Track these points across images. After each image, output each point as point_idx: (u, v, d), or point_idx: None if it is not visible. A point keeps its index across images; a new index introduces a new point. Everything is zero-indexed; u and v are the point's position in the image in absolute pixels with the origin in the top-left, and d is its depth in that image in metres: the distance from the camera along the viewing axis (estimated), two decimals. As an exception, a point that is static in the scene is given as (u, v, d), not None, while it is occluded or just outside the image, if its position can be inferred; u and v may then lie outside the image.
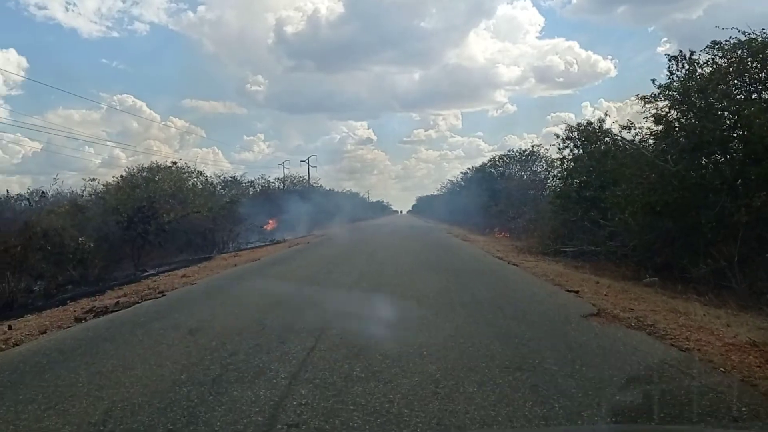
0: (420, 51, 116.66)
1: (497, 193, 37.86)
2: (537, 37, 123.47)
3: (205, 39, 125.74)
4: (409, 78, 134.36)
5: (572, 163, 21.08)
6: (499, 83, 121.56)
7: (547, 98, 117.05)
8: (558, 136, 20.10)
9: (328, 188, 71.06)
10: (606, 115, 17.16)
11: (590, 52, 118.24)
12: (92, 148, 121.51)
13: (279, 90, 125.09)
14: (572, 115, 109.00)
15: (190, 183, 31.00)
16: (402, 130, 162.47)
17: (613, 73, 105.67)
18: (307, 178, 61.40)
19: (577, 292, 10.15)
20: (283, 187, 49.52)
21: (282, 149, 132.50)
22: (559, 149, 20.91)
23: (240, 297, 9.68)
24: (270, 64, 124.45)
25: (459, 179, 61.31)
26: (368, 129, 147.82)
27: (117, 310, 9.06)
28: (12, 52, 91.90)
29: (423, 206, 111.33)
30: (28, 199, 21.46)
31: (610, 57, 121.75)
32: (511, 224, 31.00)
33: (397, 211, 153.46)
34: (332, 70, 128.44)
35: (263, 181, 45.29)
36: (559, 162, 22.16)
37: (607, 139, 17.25)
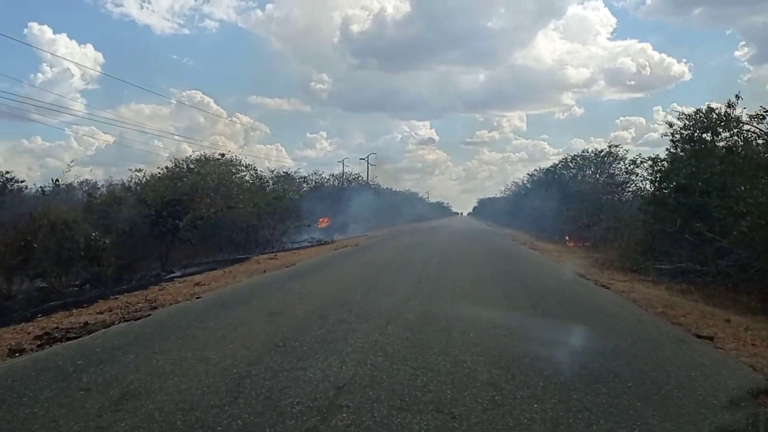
0: (486, 51, 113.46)
1: (568, 197, 34.37)
2: (608, 39, 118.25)
3: (273, 37, 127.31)
4: (473, 78, 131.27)
5: (667, 164, 17.84)
6: (566, 85, 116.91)
7: (616, 101, 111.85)
8: (671, 126, 16.81)
9: (386, 187, 68.81)
10: (738, 98, 13.65)
11: (664, 55, 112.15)
12: (161, 142, 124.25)
13: (342, 88, 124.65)
14: (643, 120, 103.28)
15: (237, 176, 29.20)
16: (465, 131, 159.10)
17: (688, 76, 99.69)
18: (365, 176, 59.33)
19: (711, 339, 7.12)
20: (339, 184, 47.27)
21: (344, 147, 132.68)
22: (672, 141, 17.60)
23: (223, 337, 6.45)
24: (335, 62, 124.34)
25: (525, 181, 57.65)
26: (430, 129, 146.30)
27: (73, 338, 6.71)
28: (89, 48, 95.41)
29: (484, 208, 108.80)
30: (41, 187, 19.64)
31: (684, 60, 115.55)
32: (585, 232, 27.64)
33: (458, 213, 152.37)
34: (396, 69, 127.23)
35: (317, 177, 43.04)
36: (649, 163, 18.90)
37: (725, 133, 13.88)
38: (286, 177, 41.12)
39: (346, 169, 58.07)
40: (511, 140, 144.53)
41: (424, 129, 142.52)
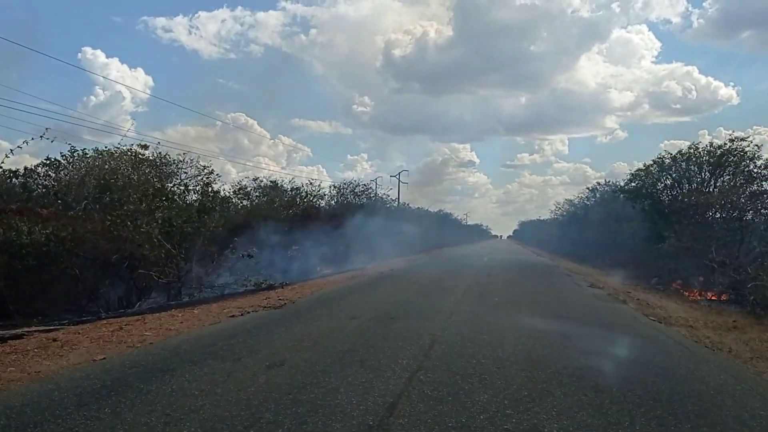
0: (528, 74, 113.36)
1: (667, 216, 23.07)
2: (653, 62, 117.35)
3: (315, 61, 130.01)
4: (515, 101, 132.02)
5: None
6: (610, 108, 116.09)
7: (661, 125, 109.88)
8: None
9: (417, 207, 58.53)
10: None
11: (710, 78, 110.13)
12: (204, 162, 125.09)
13: (384, 111, 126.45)
14: (687, 144, 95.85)
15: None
16: (505, 153, 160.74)
17: (735, 100, 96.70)
18: (391, 196, 48.97)
19: None
20: (340, 200, 36.43)
21: (384, 169, 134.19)
22: None
23: None
24: (376, 85, 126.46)
25: (582, 199, 46.18)
26: (471, 152, 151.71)
27: None
28: (140, 72, 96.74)
29: (525, 232, 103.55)
30: None
31: (732, 84, 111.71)
32: (717, 276, 16.37)
33: (497, 236, 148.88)
34: (437, 92, 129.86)
35: (311, 188, 32.32)
36: None
37: None
38: (274, 188, 30.87)
39: (380, 189, 48.16)
40: (552, 163, 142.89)
41: (465, 151, 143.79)
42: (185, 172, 25.11)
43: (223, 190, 24.69)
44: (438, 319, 9.89)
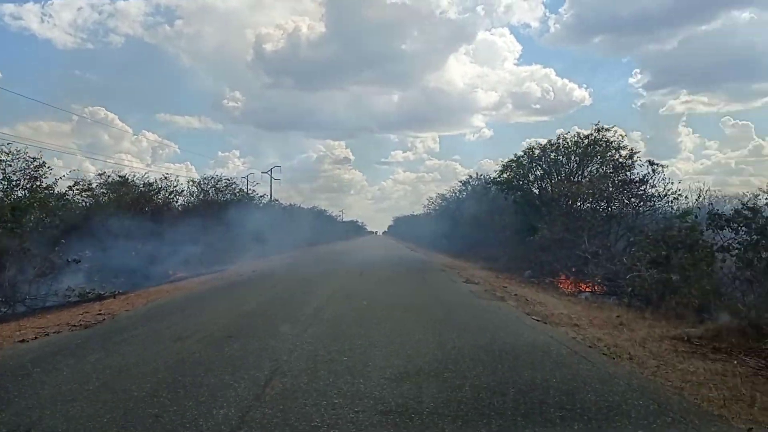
0: (400, 73, 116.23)
1: (538, 208, 22.73)
2: (515, 64, 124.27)
3: (182, 53, 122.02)
4: (388, 99, 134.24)
5: None
6: (477, 108, 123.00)
7: (523, 124, 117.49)
8: None
9: (290, 204, 56.07)
10: None
11: (566, 80, 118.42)
12: (61, 160, 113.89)
13: (256, 106, 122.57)
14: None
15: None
16: (380, 151, 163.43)
17: (588, 101, 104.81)
18: (260, 192, 46.05)
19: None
20: (200, 196, 33.21)
21: (257, 166, 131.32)
22: None
23: None
24: (248, 80, 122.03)
25: (454, 193, 46.19)
26: (346, 149, 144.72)
27: None
28: None
29: (400, 228, 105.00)
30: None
31: (585, 86, 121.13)
32: (591, 267, 15.81)
33: (373, 232, 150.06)
34: (311, 88, 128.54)
35: (167, 183, 28.92)
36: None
37: None
38: (122, 184, 27.20)
39: (252, 186, 45.38)
40: (424, 161, 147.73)
41: (340, 148, 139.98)
42: (9, 165, 21.23)
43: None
44: (290, 335, 7.96)
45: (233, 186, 36.60)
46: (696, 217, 13.97)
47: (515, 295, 13.46)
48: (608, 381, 5.71)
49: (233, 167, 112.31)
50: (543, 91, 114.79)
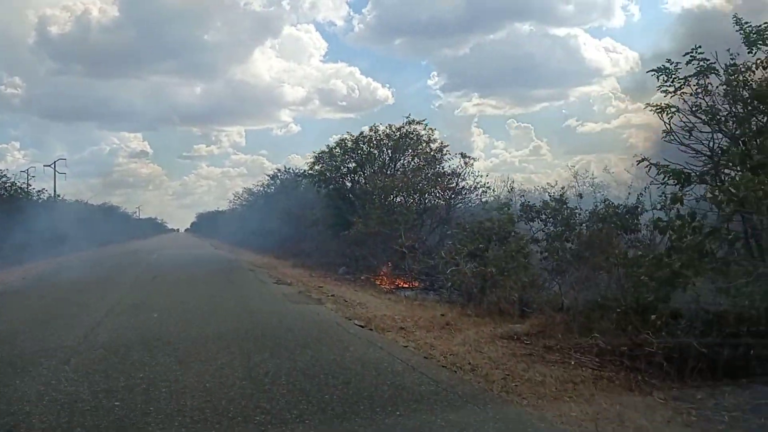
0: (203, 64, 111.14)
1: (351, 202, 22.02)
2: (321, 60, 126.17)
3: None
4: (190, 91, 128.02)
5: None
6: (284, 103, 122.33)
7: (330, 120, 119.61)
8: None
9: (76, 200, 49.74)
10: None
11: (370, 79, 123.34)
12: None
13: (39, 94, 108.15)
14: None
15: None
16: (182, 144, 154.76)
17: (391, 101, 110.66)
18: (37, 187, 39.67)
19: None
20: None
21: (42, 159, 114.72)
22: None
23: None
24: (30, 65, 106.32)
25: (262, 187, 44.27)
26: (143, 141, 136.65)
27: None
28: None
29: (204, 224, 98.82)
30: None
31: (388, 85, 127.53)
32: (408, 261, 15.27)
33: (174, 230, 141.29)
34: (104, 76, 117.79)
35: None
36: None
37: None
38: None
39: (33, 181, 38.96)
40: (230, 155, 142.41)
41: (137, 141, 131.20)
42: None
43: None
44: (43, 372, 5.85)
45: (3, 180, 31.06)
46: (509, 209, 13.93)
47: (333, 295, 12.28)
48: (461, 407, 4.66)
49: (12, 160, 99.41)
50: (349, 88, 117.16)
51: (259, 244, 37.03)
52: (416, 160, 21.55)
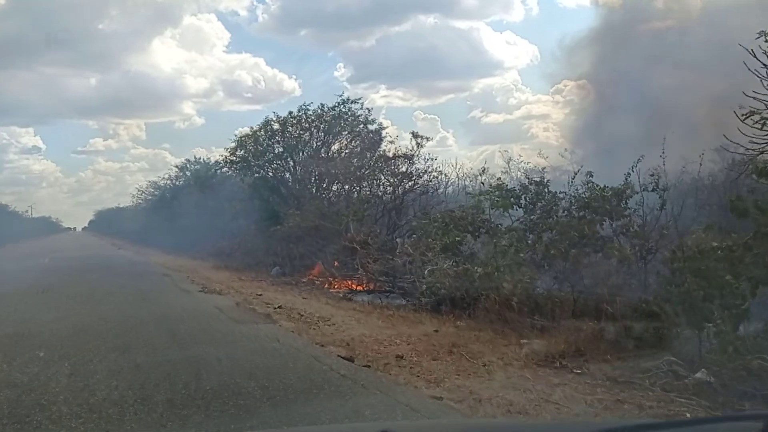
0: (98, 54, 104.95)
1: (279, 191, 19.46)
2: (224, 51, 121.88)
3: None
4: (85, 82, 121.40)
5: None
6: (186, 94, 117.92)
7: (235, 112, 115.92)
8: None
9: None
10: None
11: (276, 70, 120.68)
12: None
13: None
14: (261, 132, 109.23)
15: None
16: (77, 139, 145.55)
17: (298, 92, 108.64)
18: None
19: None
20: None
21: None
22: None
23: None
24: None
25: (170, 180, 40.36)
26: (35, 136, 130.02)
27: None
28: None
29: (104, 222, 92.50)
30: None
31: (294, 77, 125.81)
32: (361, 258, 12.93)
33: (71, 228, 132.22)
34: None
35: None
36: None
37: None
38: None
39: None
40: (129, 149, 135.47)
41: (28, 136, 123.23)
42: None
43: None
44: None
45: None
46: (503, 192, 11.92)
47: (281, 307, 9.76)
48: None
49: None
50: (254, 80, 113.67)
51: (170, 242, 33.36)
52: (354, 143, 19.24)
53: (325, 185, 16.88)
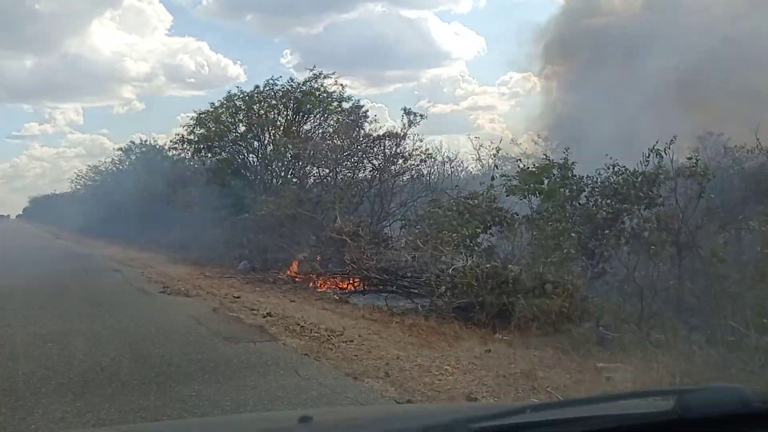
0: (33, 35, 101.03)
1: (243, 176, 17.46)
2: (166, 34, 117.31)
3: None
4: (19, 65, 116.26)
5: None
6: (126, 78, 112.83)
7: (178, 98, 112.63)
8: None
9: None
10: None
11: (221, 55, 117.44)
12: None
13: None
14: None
15: None
16: (10, 123, 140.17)
17: (243, 78, 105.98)
18: None
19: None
20: None
21: None
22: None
23: None
24: None
25: (112, 164, 37.46)
26: None
27: None
28: None
29: (39, 210, 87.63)
30: None
31: (239, 62, 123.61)
32: (353, 252, 11.12)
33: (4, 216, 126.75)
34: None
35: None
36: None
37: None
38: None
39: None
40: (66, 134, 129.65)
41: None
42: None
43: None
44: None
45: None
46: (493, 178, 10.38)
47: (270, 315, 7.88)
48: None
49: None
50: (197, 64, 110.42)
51: (114, 232, 30.61)
52: (328, 122, 17.36)
53: (299, 168, 14.94)
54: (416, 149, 14.03)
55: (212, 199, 18.80)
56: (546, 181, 9.15)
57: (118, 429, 3.76)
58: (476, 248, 9.05)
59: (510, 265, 7.68)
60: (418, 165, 13.14)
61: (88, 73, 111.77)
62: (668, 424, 1.34)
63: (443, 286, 8.15)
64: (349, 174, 13.73)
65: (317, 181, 14.46)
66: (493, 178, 10.08)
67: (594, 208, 8.96)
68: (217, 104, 17.63)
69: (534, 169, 9.23)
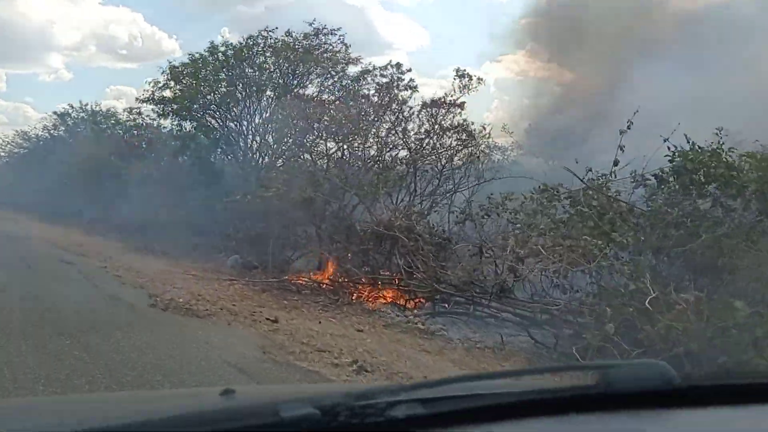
0: None
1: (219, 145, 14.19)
2: (100, 3, 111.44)
3: None
4: None
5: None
6: (54, 46, 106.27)
7: (108, 69, 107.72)
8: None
9: None
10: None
11: (156, 28, 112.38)
12: None
13: None
14: (134, 90, 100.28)
15: None
16: None
17: (178, 53, 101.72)
18: None
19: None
20: None
21: None
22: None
23: None
24: None
25: (48, 130, 32.70)
26: None
27: None
28: None
29: None
30: None
31: (175, 37, 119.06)
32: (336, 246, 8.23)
33: None
34: None
35: None
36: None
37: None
38: None
39: None
40: None
41: None
42: None
43: None
44: None
45: None
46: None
47: (356, 364, 4.93)
48: None
49: None
50: (131, 36, 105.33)
51: (49, 208, 26.27)
52: (332, 87, 14.27)
53: (308, 141, 11.75)
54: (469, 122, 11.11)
55: (180, 175, 15.43)
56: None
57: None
58: (624, 264, 6.31)
59: (736, 302, 4.95)
60: (478, 142, 10.21)
61: (14, 38, 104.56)
62: (591, 398, 1.32)
63: (609, 322, 5.38)
64: (389, 152, 10.68)
65: (334, 158, 11.29)
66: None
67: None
68: (197, 57, 14.12)
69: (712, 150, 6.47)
